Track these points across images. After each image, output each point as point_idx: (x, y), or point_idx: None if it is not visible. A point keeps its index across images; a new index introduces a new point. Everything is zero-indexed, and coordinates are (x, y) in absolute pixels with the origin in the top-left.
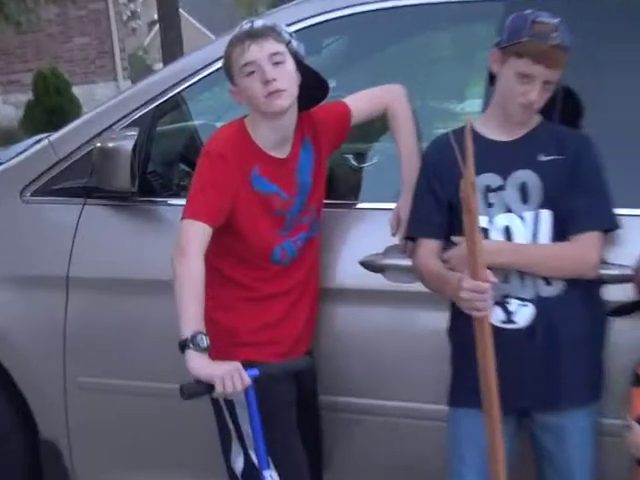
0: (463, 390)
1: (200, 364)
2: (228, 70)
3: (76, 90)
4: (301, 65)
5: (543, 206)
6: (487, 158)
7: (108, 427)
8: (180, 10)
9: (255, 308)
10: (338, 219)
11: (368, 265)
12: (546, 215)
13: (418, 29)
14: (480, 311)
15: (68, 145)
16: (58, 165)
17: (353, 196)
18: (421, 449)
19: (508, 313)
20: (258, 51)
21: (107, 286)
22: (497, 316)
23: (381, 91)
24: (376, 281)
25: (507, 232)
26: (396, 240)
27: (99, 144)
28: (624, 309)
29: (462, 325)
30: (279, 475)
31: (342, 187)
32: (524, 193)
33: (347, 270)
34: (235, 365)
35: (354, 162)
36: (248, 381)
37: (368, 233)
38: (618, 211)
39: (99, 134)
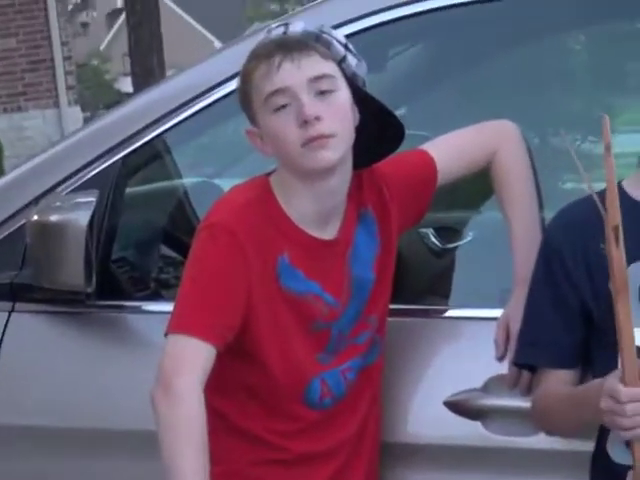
0: None
1: None
2: (245, 100)
3: None
4: (361, 95)
5: None
6: None
7: None
8: None
9: (281, 476)
10: (410, 334)
11: (458, 407)
12: None
13: (538, 31)
14: (633, 430)
15: None
16: None
17: (435, 298)
18: None
19: None
20: (294, 73)
21: (44, 442)
22: None
23: (482, 132)
24: (470, 432)
25: None
26: (502, 368)
27: (35, 217)
28: None
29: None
30: None
31: (418, 283)
32: None
33: (425, 416)
34: None
35: (436, 241)
36: None
37: (458, 356)
38: None
39: (34, 200)
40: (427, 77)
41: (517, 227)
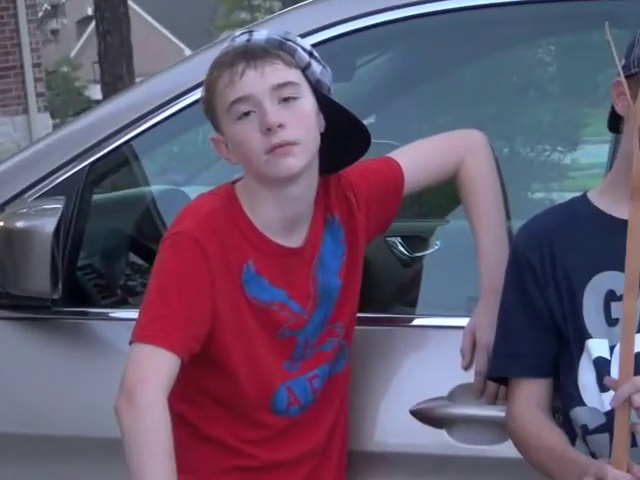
0: None
1: None
2: (210, 108)
3: None
4: (326, 102)
5: None
6: (611, 248)
7: None
8: (130, 3)
9: None
10: (377, 342)
11: (424, 416)
12: None
13: (506, 41)
14: None
15: None
16: None
17: (401, 306)
18: None
19: None
20: (257, 81)
21: (3, 448)
22: None
23: (449, 141)
24: (436, 441)
25: None
26: (468, 377)
27: (1, 223)
28: None
29: None
30: None
31: (385, 291)
32: None
33: (391, 424)
34: None
35: (403, 250)
36: None
37: (424, 365)
38: None
39: (1, 207)
40: (394, 86)
41: (484, 237)
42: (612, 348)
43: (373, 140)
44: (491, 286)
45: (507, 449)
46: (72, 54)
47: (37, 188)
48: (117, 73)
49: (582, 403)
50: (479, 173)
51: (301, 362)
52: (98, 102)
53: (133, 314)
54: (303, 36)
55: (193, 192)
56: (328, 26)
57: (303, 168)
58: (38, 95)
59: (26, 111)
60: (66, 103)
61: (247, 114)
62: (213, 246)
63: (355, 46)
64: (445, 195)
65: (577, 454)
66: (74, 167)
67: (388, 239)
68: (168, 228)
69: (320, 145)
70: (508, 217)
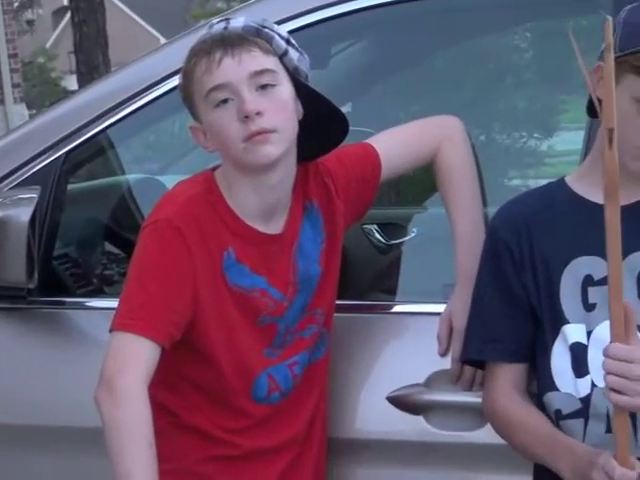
0: None
1: None
2: (187, 96)
3: None
4: (304, 89)
5: None
6: (589, 233)
7: None
8: None
9: (231, 474)
10: (354, 329)
11: (401, 402)
12: None
13: (483, 27)
14: None
15: None
16: None
17: (379, 293)
18: None
19: None
20: (235, 68)
21: None
22: None
23: (426, 127)
24: (414, 428)
25: None
26: (445, 363)
27: None
28: None
29: None
30: None
31: (363, 279)
32: None
33: (369, 411)
34: None
35: (380, 238)
36: None
37: (402, 352)
38: None
39: None
40: (371, 73)
41: (460, 223)
42: (589, 333)
43: (350, 128)
44: (467, 272)
45: (485, 435)
46: (48, 45)
47: (12, 178)
48: (93, 63)
49: (555, 388)
50: (456, 159)
51: (281, 349)
52: (74, 92)
53: (109, 303)
54: (279, 23)
55: (169, 181)
56: (303, 13)
57: (281, 155)
58: (14, 86)
59: (2, 102)
60: (42, 94)
61: (225, 102)
62: (193, 233)
63: (330, 33)
64: (422, 182)
65: (572, 440)
66: (49, 156)
67: (365, 226)
68: (147, 216)
69: (298, 132)
70: (485, 204)
